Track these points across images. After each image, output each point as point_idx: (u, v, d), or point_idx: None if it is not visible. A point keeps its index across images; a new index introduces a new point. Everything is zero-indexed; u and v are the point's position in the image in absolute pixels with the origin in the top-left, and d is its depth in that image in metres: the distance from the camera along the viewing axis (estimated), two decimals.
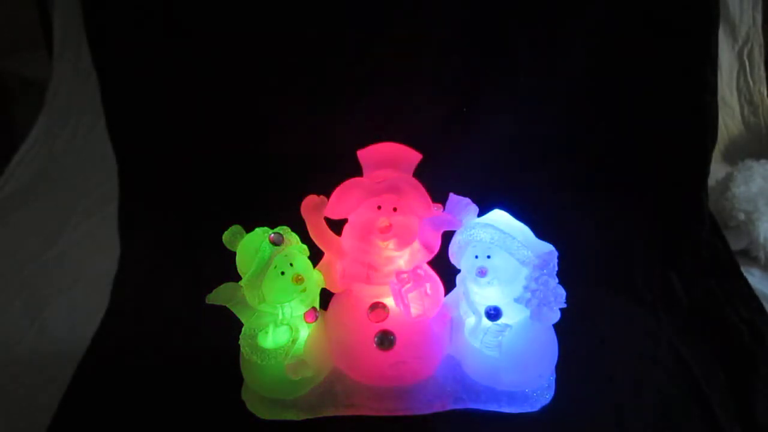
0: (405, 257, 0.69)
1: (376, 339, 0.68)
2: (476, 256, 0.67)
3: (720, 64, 1.21)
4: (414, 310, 0.67)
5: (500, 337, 0.67)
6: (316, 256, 0.71)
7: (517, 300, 0.66)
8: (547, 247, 0.66)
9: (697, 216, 0.98)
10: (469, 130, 0.99)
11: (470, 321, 0.69)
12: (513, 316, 0.68)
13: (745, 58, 1.39)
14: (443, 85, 0.97)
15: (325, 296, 0.73)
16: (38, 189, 1.26)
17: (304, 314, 0.69)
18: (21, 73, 1.59)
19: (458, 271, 0.71)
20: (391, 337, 0.68)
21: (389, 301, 0.69)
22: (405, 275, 0.67)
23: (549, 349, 0.71)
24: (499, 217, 0.69)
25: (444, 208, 0.69)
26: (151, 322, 0.87)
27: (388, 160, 0.68)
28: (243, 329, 0.68)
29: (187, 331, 0.84)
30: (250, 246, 0.66)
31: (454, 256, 0.70)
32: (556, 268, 0.66)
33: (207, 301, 0.67)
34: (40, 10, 1.54)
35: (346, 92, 0.97)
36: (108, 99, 0.98)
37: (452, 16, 0.95)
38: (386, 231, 0.66)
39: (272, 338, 0.68)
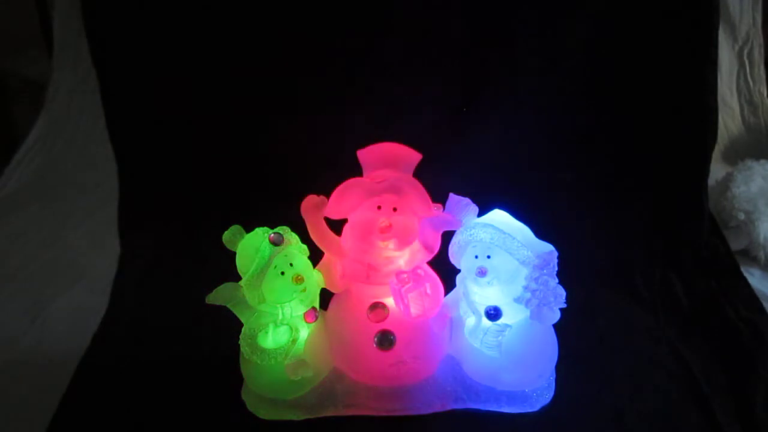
0: (405, 257, 0.69)
1: (376, 339, 0.68)
2: (476, 256, 0.67)
3: (720, 64, 1.21)
4: (414, 310, 0.67)
5: (500, 337, 0.67)
6: (316, 256, 0.71)
7: (517, 300, 0.66)
8: (547, 247, 0.66)
9: (697, 216, 0.98)
10: (469, 129, 0.99)
11: (470, 321, 0.69)
12: (513, 316, 0.68)
13: (745, 58, 1.39)
14: (443, 85, 0.97)
15: (325, 296, 0.73)
16: (38, 189, 1.26)
17: (304, 314, 0.69)
18: (21, 73, 1.59)
19: (458, 271, 0.71)
20: (391, 337, 0.68)
21: (389, 301, 0.69)
22: (405, 275, 0.67)
23: (549, 349, 0.71)
24: (499, 217, 0.69)
25: (444, 208, 0.69)
26: (151, 322, 0.87)
27: (388, 160, 0.68)
28: (243, 329, 0.69)
29: (187, 331, 0.84)
30: (250, 246, 0.66)
31: (454, 256, 0.70)
32: (556, 268, 0.66)
33: (207, 301, 0.67)
34: (40, 10, 1.54)
35: (347, 92, 0.97)
36: (108, 99, 0.98)
37: (452, 16, 0.95)
38: (386, 231, 0.66)
39: (272, 338, 0.68)
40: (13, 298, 0.95)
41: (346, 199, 0.67)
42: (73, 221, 1.15)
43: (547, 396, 0.73)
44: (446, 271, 0.71)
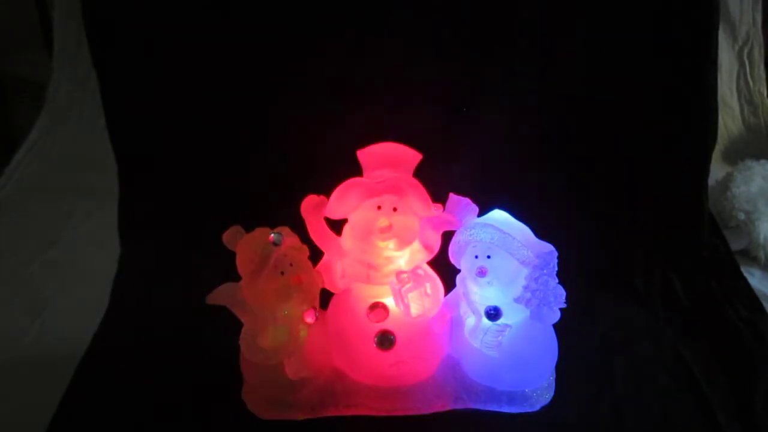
0: (405, 257, 0.69)
1: (376, 339, 0.68)
2: (476, 256, 0.67)
3: (720, 64, 1.21)
4: (414, 310, 0.67)
5: (500, 337, 0.67)
6: (316, 256, 0.71)
7: (517, 300, 0.66)
8: (547, 247, 0.66)
9: (697, 216, 0.98)
10: (469, 130, 0.99)
11: (470, 321, 0.70)
12: (513, 316, 0.68)
13: (745, 58, 1.39)
14: (443, 85, 0.97)
15: (325, 296, 0.73)
16: (38, 189, 1.26)
17: (304, 314, 0.69)
18: (21, 73, 1.59)
19: (458, 271, 0.71)
20: (391, 337, 0.68)
21: (389, 301, 0.69)
22: (405, 275, 0.67)
23: (549, 349, 0.71)
24: (499, 217, 0.69)
25: (444, 208, 0.69)
26: (151, 322, 0.87)
27: (388, 160, 0.68)
28: (243, 329, 0.69)
29: (187, 331, 0.84)
30: (250, 246, 0.66)
31: (454, 256, 0.70)
32: (556, 268, 0.66)
33: (207, 301, 0.67)
34: (40, 10, 1.54)
35: (346, 92, 0.97)
36: (108, 99, 0.98)
37: (452, 15, 0.95)
38: (386, 231, 0.66)
39: (272, 338, 0.68)
40: (13, 298, 0.95)
41: (346, 199, 0.67)
42: (73, 221, 1.15)
43: (547, 396, 0.73)
44: (446, 271, 0.71)
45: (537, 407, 0.72)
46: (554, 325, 0.69)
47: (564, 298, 0.66)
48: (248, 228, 0.68)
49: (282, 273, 0.66)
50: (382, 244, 0.67)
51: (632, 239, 0.98)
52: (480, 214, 0.69)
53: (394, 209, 0.67)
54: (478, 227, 0.67)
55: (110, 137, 1.00)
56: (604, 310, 0.89)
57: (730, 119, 1.39)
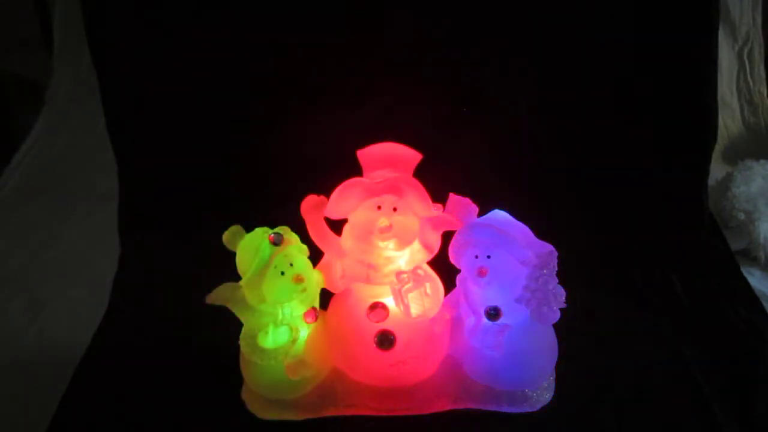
0: (405, 257, 0.69)
1: (376, 339, 0.68)
2: (476, 256, 0.67)
3: (720, 64, 1.21)
4: (414, 310, 0.67)
5: (500, 337, 0.67)
6: (316, 256, 0.71)
7: (517, 300, 0.66)
8: (547, 247, 0.66)
9: (697, 216, 0.98)
10: (469, 130, 0.99)
11: (470, 321, 0.69)
12: (513, 316, 0.68)
13: (745, 58, 1.39)
14: (443, 85, 0.97)
15: (325, 296, 0.73)
16: (38, 189, 1.26)
17: (304, 314, 0.69)
18: (21, 73, 1.59)
19: (458, 271, 0.71)
20: (391, 337, 0.68)
21: (389, 301, 0.69)
22: (405, 275, 0.67)
23: (549, 349, 0.71)
24: (499, 217, 0.69)
25: (444, 208, 0.69)
26: (151, 322, 0.87)
27: (388, 160, 0.68)
28: (243, 329, 0.69)
29: (187, 331, 0.84)
30: (250, 246, 0.66)
31: (454, 256, 0.70)
32: (556, 268, 0.66)
33: (207, 301, 0.67)
34: (40, 10, 1.54)
35: (346, 92, 0.97)
36: (108, 99, 0.98)
37: (452, 15, 0.95)
38: (386, 231, 0.66)
39: (272, 338, 0.68)
40: (13, 298, 0.95)
41: (346, 199, 0.67)
42: (73, 221, 1.15)
43: (547, 396, 0.73)
44: (446, 271, 0.71)
45: (537, 407, 0.72)
46: (554, 325, 0.69)
47: (564, 298, 0.66)
48: (248, 228, 0.68)
49: (282, 273, 0.66)
50: (382, 244, 0.67)
51: (632, 239, 0.98)
52: (480, 214, 0.69)
53: (394, 209, 0.67)
54: (478, 227, 0.67)
55: (110, 137, 1.00)
56: (603, 310, 0.89)
57: (730, 119, 1.39)
